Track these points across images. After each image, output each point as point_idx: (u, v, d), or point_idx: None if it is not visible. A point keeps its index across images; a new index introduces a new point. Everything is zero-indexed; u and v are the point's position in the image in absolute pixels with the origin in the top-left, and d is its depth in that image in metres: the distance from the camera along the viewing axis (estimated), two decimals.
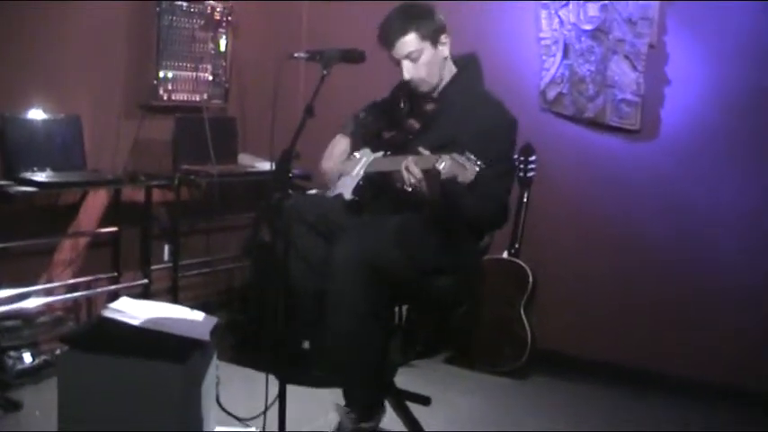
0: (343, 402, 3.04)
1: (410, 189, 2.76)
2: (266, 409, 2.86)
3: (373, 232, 2.93)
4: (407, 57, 2.98)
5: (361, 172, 3.13)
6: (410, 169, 2.73)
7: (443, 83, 3.08)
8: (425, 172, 2.70)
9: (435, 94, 3.08)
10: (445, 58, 3.06)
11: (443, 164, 2.57)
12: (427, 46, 2.98)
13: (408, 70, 3.00)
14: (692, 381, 4.22)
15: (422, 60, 2.99)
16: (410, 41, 2.97)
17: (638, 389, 4.28)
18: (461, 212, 2.83)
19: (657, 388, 4.26)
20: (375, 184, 3.08)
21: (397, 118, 3.20)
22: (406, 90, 3.12)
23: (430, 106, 3.11)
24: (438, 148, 2.68)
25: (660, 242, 4.34)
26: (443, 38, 3.02)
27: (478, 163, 2.56)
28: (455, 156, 2.57)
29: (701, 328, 4.24)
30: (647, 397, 4.21)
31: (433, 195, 2.73)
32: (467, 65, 3.12)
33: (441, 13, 3.05)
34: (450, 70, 3.09)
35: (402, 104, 3.18)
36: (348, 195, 3.11)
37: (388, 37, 3.00)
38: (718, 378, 4.17)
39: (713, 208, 4.21)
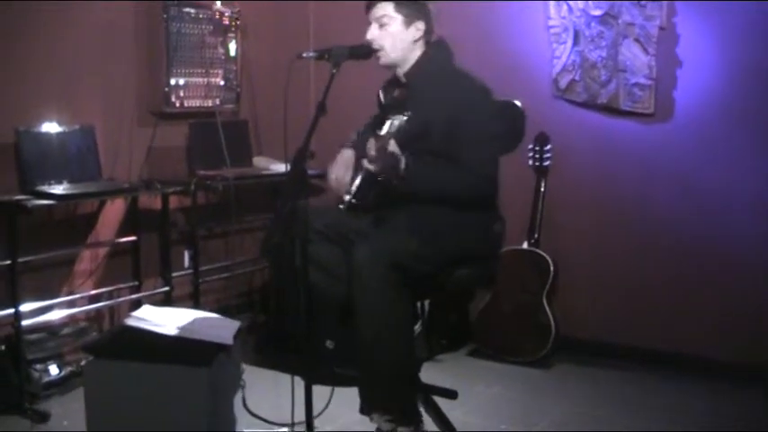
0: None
1: (380, 172, 2.86)
2: (293, 410, 2.86)
3: (388, 231, 2.94)
4: (378, 20, 3.04)
5: (357, 180, 3.10)
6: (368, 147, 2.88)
7: (409, 64, 3.10)
8: (383, 149, 2.80)
9: (403, 76, 3.11)
10: (415, 42, 3.08)
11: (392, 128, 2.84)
12: (399, 20, 3.03)
13: (372, 32, 3.06)
14: (716, 361, 4.19)
15: (389, 29, 3.03)
16: (385, 6, 3.04)
17: (664, 371, 4.26)
18: (446, 187, 2.92)
19: (683, 370, 4.24)
20: (371, 185, 3.08)
21: (381, 119, 3.21)
22: (385, 88, 3.20)
23: (400, 90, 3.16)
24: (414, 128, 2.83)
25: (679, 224, 4.31)
26: (419, 24, 3.06)
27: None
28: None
29: (722, 309, 4.21)
30: (673, 379, 4.18)
31: (397, 171, 2.83)
32: (434, 46, 3.15)
33: (435, 8, 3.10)
34: (417, 54, 3.12)
35: (384, 102, 3.25)
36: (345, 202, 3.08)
37: (370, 1, 3.08)
38: (742, 358, 4.13)
39: (729, 188, 4.17)
